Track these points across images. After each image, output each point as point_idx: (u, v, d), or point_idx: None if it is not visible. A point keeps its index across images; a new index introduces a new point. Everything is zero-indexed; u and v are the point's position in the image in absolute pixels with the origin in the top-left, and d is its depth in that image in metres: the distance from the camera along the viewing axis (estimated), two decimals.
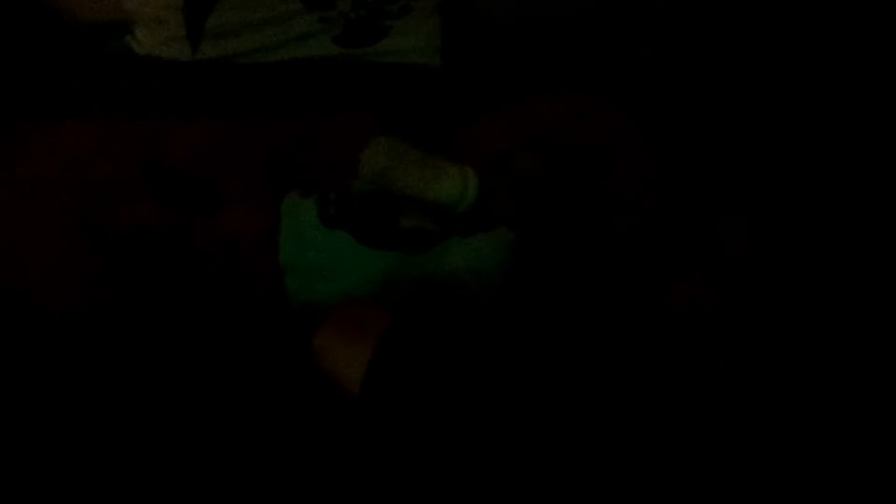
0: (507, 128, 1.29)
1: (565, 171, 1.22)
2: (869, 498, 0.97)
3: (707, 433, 1.01)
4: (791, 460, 1.00)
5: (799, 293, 1.16)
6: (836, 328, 1.11)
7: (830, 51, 1.40)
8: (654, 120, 1.35)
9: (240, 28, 1.38)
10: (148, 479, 0.99)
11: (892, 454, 0.98)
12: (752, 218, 1.23)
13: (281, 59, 1.40)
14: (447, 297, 1.10)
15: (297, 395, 1.02)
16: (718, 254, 1.19)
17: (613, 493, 0.94)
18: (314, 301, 1.08)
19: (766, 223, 1.22)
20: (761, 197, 1.25)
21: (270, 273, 1.09)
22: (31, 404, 1.02)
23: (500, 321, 1.06)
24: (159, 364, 1.06)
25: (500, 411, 0.94)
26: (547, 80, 1.42)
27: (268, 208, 1.14)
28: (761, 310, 1.13)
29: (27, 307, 1.08)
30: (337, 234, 1.09)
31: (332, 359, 0.99)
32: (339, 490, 0.96)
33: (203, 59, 1.38)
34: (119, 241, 1.11)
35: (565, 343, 0.99)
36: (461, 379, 0.95)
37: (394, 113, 1.34)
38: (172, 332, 1.07)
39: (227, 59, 1.38)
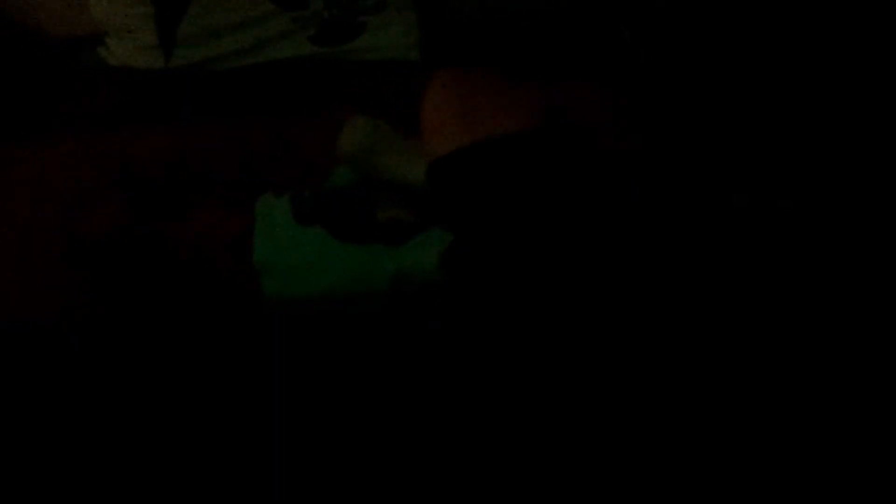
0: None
1: (553, 157, 1.19)
2: None
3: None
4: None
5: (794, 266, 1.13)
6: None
7: (813, 26, 1.37)
8: (639, 103, 1.32)
9: (213, 33, 1.36)
10: (126, 486, 0.97)
11: None
12: (742, 191, 1.20)
13: (257, 63, 1.38)
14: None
15: (277, 397, 1.00)
16: (704, 237, 1.16)
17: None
18: (292, 302, 1.05)
19: (756, 196, 1.19)
20: (750, 176, 1.23)
21: (245, 275, 1.07)
22: (7, 417, 1.00)
23: None
24: (136, 372, 1.03)
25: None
26: (529, 68, 1.40)
27: (242, 211, 1.11)
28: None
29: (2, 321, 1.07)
30: (312, 230, 1.07)
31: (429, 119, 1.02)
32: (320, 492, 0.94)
33: (177, 66, 1.36)
34: (93, 250, 1.09)
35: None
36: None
37: (373, 110, 1.32)
38: (149, 340, 1.05)
39: (201, 65, 1.36)
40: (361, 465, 0.97)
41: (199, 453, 0.98)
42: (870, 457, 0.98)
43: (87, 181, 1.16)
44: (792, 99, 1.34)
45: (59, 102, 1.34)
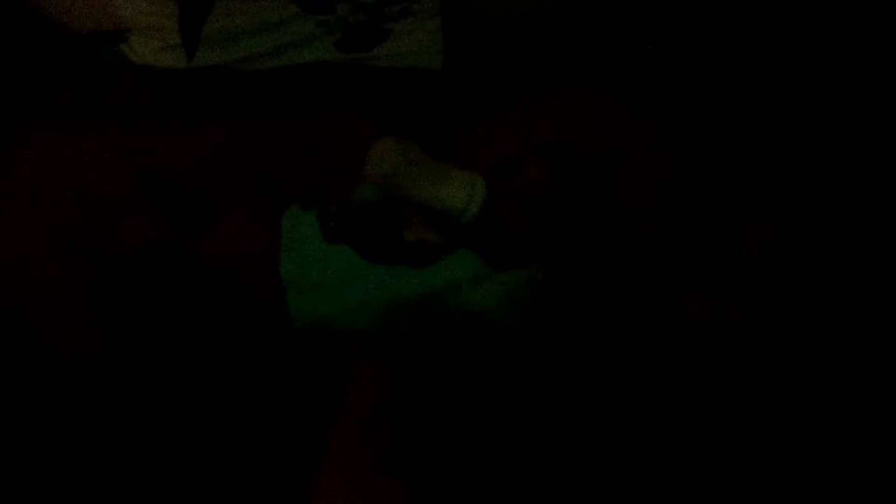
0: (512, 132, 1.27)
1: (575, 175, 1.19)
2: None
3: (723, 434, 0.99)
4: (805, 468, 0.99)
5: (813, 296, 1.14)
6: (849, 330, 1.09)
7: (840, 45, 1.37)
8: (662, 117, 1.32)
9: (236, 34, 1.35)
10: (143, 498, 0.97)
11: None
12: (766, 218, 1.20)
13: (280, 66, 1.37)
14: (457, 330, 1.06)
15: (298, 415, 1.00)
16: (732, 256, 1.17)
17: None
18: (318, 321, 1.06)
19: (781, 223, 1.19)
20: (775, 196, 1.23)
21: (272, 290, 1.07)
22: (22, 424, 1.00)
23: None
24: (156, 386, 1.03)
25: None
26: (552, 81, 1.39)
27: (267, 222, 1.11)
28: (776, 318, 1.11)
29: (21, 327, 1.06)
30: (339, 249, 1.07)
31: None
32: None
33: (199, 66, 1.35)
34: (116, 259, 1.08)
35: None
36: None
37: (395, 118, 1.31)
38: (170, 353, 1.05)
39: (224, 66, 1.36)
40: None
41: (218, 472, 0.98)
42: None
43: (111, 184, 1.14)
44: (826, 110, 1.33)
45: (82, 98, 1.32)
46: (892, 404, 1.06)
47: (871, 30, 1.37)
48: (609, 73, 1.42)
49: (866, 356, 1.09)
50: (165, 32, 1.34)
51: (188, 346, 1.04)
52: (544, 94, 1.33)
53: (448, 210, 1.09)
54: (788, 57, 1.39)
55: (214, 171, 1.19)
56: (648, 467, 0.95)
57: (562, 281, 1.09)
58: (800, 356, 1.08)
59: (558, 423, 0.96)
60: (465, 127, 1.30)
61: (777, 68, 1.38)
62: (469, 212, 1.11)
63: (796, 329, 1.11)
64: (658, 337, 1.07)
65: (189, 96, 1.34)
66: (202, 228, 1.11)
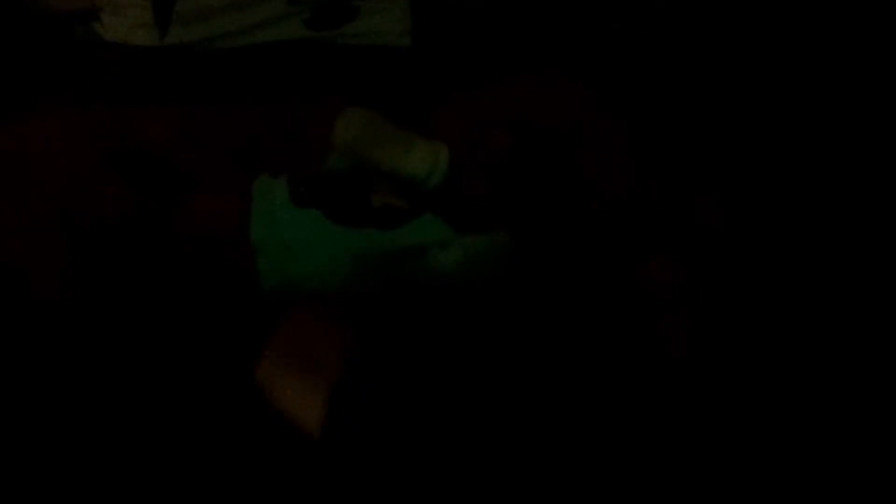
0: (479, 108, 1.29)
1: (538, 149, 1.22)
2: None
3: (674, 407, 1.00)
4: (753, 431, 1.00)
5: (772, 269, 1.16)
6: (808, 305, 1.11)
7: (801, 25, 1.39)
8: (626, 96, 1.34)
9: (208, 13, 1.37)
10: (123, 474, 0.98)
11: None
12: (726, 193, 1.22)
13: (250, 44, 1.40)
14: (420, 289, 1.08)
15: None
16: (693, 230, 1.19)
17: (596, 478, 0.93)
18: (287, 282, 1.08)
19: (741, 198, 1.21)
20: (736, 172, 1.25)
21: (245, 257, 1.09)
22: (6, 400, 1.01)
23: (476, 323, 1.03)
24: (136, 356, 1.04)
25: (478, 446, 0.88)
26: (518, 59, 1.42)
27: (241, 193, 1.13)
28: (739, 289, 1.12)
29: (5, 304, 1.07)
30: (308, 213, 1.09)
31: (279, 396, 0.92)
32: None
33: (171, 44, 1.37)
34: (94, 233, 1.10)
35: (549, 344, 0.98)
36: (430, 422, 0.88)
37: (365, 95, 1.34)
38: (149, 323, 1.06)
39: (195, 44, 1.38)
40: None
41: (195, 443, 0.99)
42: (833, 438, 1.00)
43: (88, 160, 1.16)
44: (786, 96, 1.35)
45: (57, 75, 1.34)
46: (858, 376, 1.07)
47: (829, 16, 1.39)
48: (575, 53, 1.45)
49: (830, 330, 1.10)
50: (137, 10, 1.36)
51: (170, 316, 1.06)
52: (511, 74, 1.35)
53: (413, 177, 1.12)
54: (748, 38, 1.41)
55: (189, 146, 1.21)
56: (595, 419, 0.96)
57: (525, 246, 1.11)
58: (763, 327, 1.10)
59: (512, 378, 0.97)
60: (436, 105, 1.33)
61: (738, 51, 1.41)
62: (433, 179, 1.13)
63: (759, 301, 1.12)
64: (619, 304, 1.09)
65: (163, 74, 1.36)
66: (178, 201, 1.13)
